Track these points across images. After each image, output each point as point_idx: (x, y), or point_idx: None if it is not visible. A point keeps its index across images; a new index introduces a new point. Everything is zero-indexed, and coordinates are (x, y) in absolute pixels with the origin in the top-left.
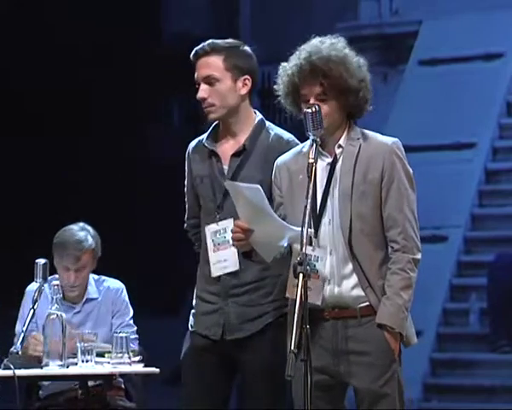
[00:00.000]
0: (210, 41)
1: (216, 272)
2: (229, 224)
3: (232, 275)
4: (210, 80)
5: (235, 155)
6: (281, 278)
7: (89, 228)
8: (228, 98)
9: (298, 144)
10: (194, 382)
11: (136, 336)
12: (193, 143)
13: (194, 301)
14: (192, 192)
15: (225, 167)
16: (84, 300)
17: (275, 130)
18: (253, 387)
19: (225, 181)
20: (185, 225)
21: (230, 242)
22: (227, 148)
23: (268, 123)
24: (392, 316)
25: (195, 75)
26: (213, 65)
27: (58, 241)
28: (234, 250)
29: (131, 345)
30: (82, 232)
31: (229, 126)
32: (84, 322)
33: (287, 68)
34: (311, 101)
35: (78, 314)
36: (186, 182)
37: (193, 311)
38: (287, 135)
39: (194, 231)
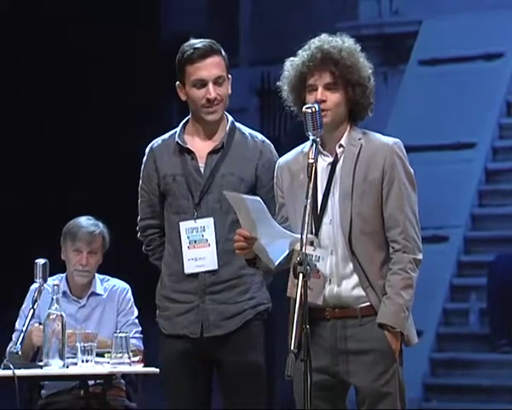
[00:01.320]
0: (209, 40)
1: (190, 269)
2: (208, 223)
3: (210, 273)
4: (219, 80)
5: (213, 152)
6: (256, 276)
7: (97, 221)
8: (226, 98)
9: (270, 144)
10: (176, 388)
11: (141, 335)
12: (156, 143)
13: (160, 303)
14: (156, 191)
15: (201, 165)
16: (89, 293)
17: (247, 130)
18: (233, 385)
19: (203, 180)
20: (138, 226)
21: (209, 241)
22: (203, 146)
23: (238, 124)
24: (392, 315)
25: (200, 75)
26: (221, 65)
27: (70, 228)
28: (213, 249)
29: (137, 344)
30: (92, 220)
31: (211, 126)
32: (88, 317)
33: (295, 61)
34: (320, 89)
35: (82, 309)
36: (142, 182)
37: (163, 313)
38: (260, 135)
39: (149, 232)
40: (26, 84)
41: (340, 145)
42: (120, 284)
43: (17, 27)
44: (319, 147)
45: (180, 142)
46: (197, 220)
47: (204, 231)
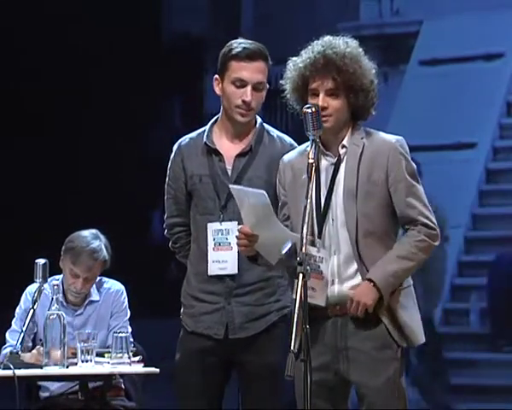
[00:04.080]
0: (260, 45)
1: (213, 271)
2: (233, 226)
3: (236, 275)
4: (260, 87)
5: (240, 155)
6: (283, 279)
7: (101, 237)
8: (260, 105)
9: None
10: (192, 384)
11: (131, 339)
12: (184, 141)
13: (185, 301)
14: (183, 190)
15: (228, 167)
16: (86, 302)
17: (276, 132)
18: (255, 387)
19: (230, 183)
20: (164, 223)
21: (232, 244)
22: (230, 148)
23: (266, 126)
24: (380, 274)
25: (242, 74)
26: (265, 72)
27: (72, 246)
28: (234, 253)
29: None
30: (96, 242)
31: (240, 128)
32: (85, 324)
33: (297, 62)
34: (321, 95)
35: (79, 316)
36: (170, 179)
37: (187, 311)
38: (288, 138)
39: (176, 230)
40: (26, 84)
41: (343, 146)
42: (115, 286)
43: (17, 27)
44: (322, 148)
45: (208, 143)
46: (223, 223)
47: (228, 234)
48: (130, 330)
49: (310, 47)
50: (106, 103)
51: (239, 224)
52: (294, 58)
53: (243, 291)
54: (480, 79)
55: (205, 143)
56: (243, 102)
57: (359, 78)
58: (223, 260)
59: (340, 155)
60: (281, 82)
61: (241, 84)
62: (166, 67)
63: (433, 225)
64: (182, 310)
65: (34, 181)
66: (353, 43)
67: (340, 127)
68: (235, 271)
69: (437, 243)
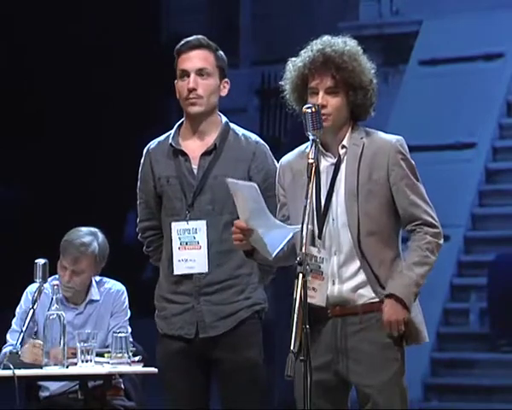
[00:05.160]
0: (201, 36)
1: (179, 270)
2: (201, 225)
3: (204, 274)
4: (203, 73)
5: (205, 154)
6: (253, 276)
7: (99, 235)
8: (212, 96)
9: (264, 145)
10: (173, 387)
11: (131, 339)
12: (152, 144)
13: (158, 304)
14: (152, 193)
15: (194, 167)
16: (87, 301)
17: (241, 131)
18: (231, 384)
19: (197, 182)
20: (137, 227)
21: (200, 243)
22: (195, 147)
23: (232, 124)
24: (400, 286)
25: (184, 65)
26: (208, 59)
27: (65, 239)
28: (204, 252)
29: None
30: (89, 237)
31: (199, 126)
32: (85, 323)
33: (296, 62)
34: (321, 93)
35: (80, 315)
36: (140, 183)
37: (160, 313)
38: (254, 136)
39: (148, 234)
40: (26, 85)
41: (343, 146)
42: (116, 286)
43: (16, 27)
44: (321, 149)
45: (174, 144)
46: (189, 222)
47: (196, 233)
48: (129, 330)
49: (309, 46)
50: (105, 103)
51: (207, 223)
52: (293, 59)
53: (212, 290)
54: (480, 79)
55: (170, 144)
56: (188, 89)
57: (358, 75)
58: (190, 258)
59: (340, 156)
60: (280, 83)
61: (185, 74)
62: (166, 67)
63: (436, 223)
64: (156, 313)
65: (34, 181)
66: (352, 41)
67: (340, 127)
68: (205, 270)
69: (441, 242)
